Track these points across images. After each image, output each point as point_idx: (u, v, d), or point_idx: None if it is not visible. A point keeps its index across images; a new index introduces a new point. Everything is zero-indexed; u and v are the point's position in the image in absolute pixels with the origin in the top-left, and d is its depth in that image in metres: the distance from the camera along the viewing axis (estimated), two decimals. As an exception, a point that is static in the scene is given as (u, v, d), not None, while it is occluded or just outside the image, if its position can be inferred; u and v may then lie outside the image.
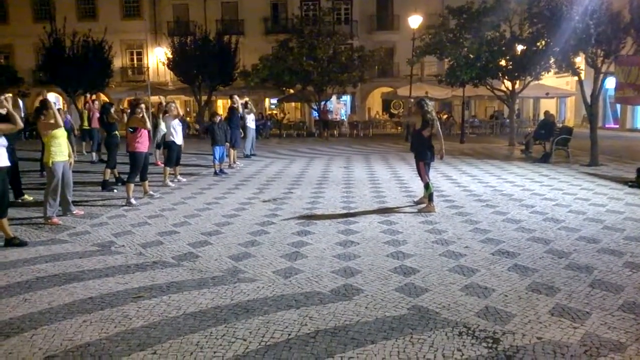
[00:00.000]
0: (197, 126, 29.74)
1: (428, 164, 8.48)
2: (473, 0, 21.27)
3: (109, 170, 11.06)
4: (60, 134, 7.95)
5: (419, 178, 8.80)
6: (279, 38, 31.20)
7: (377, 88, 37.08)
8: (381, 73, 36.28)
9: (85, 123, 17.42)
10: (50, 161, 7.77)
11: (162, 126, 12.64)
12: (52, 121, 7.80)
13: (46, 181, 8.06)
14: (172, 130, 11.50)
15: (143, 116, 9.35)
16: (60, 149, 7.88)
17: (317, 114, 30.49)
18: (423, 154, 8.41)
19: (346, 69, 27.60)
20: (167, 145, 11.75)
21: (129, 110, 11.12)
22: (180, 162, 12.39)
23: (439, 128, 8.46)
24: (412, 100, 13.44)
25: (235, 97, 15.98)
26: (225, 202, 9.49)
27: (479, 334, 3.95)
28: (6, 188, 6.62)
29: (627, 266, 5.49)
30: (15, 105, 9.97)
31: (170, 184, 11.40)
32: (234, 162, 14.77)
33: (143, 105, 9.64)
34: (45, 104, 8.00)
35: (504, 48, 20.41)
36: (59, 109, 9.43)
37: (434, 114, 8.42)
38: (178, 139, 11.66)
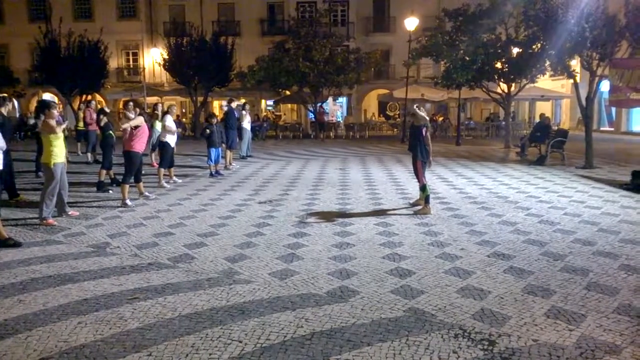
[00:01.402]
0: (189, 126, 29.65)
1: (424, 163, 8.51)
2: (469, 3, 21.32)
3: (104, 171, 11.02)
4: (61, 135, 7.95)
5: (416, 180, 8.81)
6: (275, 39, 31.21)
7: (373, 90, 37.14)
8: (377, 75, 36.35)
9: (81, 124, 17.37)
10: (52, 162, 7.75)
11: (158, 127, 12.63)
12: (52, 123, 7.79)
13: (44, 182, 8.02)
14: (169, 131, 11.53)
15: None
16: (61, 150, 7.89)
17: (313, 116, 30.50)
18: (421, 153, 8.44)
19: (342, 71, 27.64)
20: (162, 146, 11.73)
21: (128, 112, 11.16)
22: (175, 163, 12.38)
23: (429, 136, 8.62)
24: (410, 106, 13.44)
25: (234, 99, 16.08)
26: (220, 203, 9.47)
27: (474, 336, 3.95)
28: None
29: (623, 269, 5.50)
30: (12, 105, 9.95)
31: (165, 185, 11.37)
32: (230, 164, 14.76)
33: (131, 104, 9.73)
34: (47, 105, 8.05)
35: (499, 51, 20.46)
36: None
37: (426, 117, 8.61)
38: (172, 139, 11.65)
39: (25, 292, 4.93)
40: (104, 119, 11.25)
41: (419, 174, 8.55)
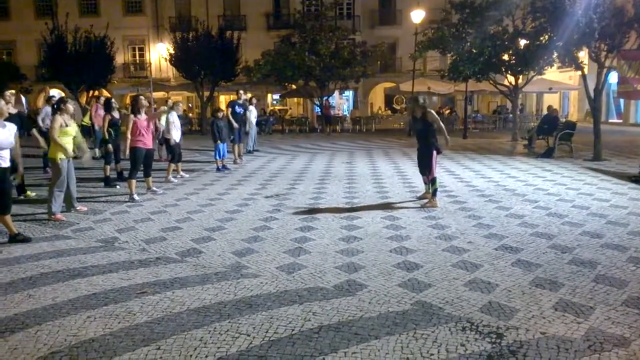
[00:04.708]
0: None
1: (438, 153, 8.45)
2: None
3: (108, 167, 11.01)
4: (71, 131, 7.97)
5: (428, 172, 8.66)
6: (281, 33, 31.14)
7: (380, 83, 37.03)
8: (383, 68, 36.24)
9: (86, 119, 17.42)
10: (59, 157, 7.79)
11: (162, 122, 12.64)
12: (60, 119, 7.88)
13: (51, 177, 8.06)
14: (171, 126, 11.49)
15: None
16: (69, 146, 7.91)
17: (319, 110, 30.45)
18: (434, 144, 8.39)
19: (348, 64, 27.54)
20: (167, 142, 11.73)
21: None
22: (182, 158, 12.40)
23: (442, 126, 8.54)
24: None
25: (241, 92, 16.05)
26: (228, 198, 9.49)
27: (482, 329, 3.95)
28: (9, 186, 6.62)
29: (631, 261, 5.47)
30: (19, 101, 9.99)
31: (173, 180, 11.40)
32: (239, 158, 14.74)
33: (145, 101, 9.66)
34: (62, 100, 8.15)
35: (506, 42, 20.33)
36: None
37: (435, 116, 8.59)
38: (177, 135, 11.63)
39: (35, 287, 4.97)
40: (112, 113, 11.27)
41: (431, 166, 8.44)
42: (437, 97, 34.12)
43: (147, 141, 9.52)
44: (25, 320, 4.24)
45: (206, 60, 27.15)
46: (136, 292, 4.79)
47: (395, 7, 36.80)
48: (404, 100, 35.23)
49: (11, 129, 6.41)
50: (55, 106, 8.27)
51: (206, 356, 3.61)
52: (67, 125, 7.93)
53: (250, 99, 17.05)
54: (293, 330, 3.98)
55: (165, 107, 12.33)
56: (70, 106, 8.12)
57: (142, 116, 9.41)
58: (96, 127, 16.16)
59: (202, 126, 28.24)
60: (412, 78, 26.22)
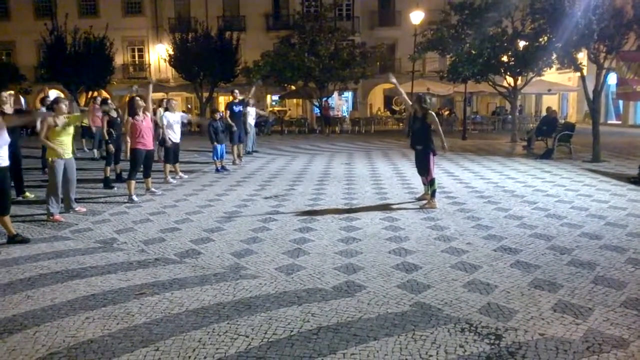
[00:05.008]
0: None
1: (435, 154, 8.47)
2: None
3: (108, 168, 11.00)
4: (63, 131, 7.91)
5: (426, 173, 8.68)
6: (281, 34, 31.14)
7: (379, 84, 37.00)
8: (383, 69, 36.15)
9: (85, 120, 17.38)
10: (51, 158, 7.77)
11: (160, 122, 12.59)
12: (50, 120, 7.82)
13: (48, 178, 8.05)
14: (166, 128, 11.42)
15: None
16: (62, 146, 7.86)
17: (318, 111, 30.44)
18: (431, 145, 8.40)
19: (348, 65, 27.55)
20: (164, 142, 11.68)
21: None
22: (180, 159, 12.36)
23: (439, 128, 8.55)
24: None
25: (236, 91, 15.96)
26: (227, 198, 9.49)
27: (481, 330, 3.95)
28: (8, 186, 6.61)
29: (630, 262, 5.48)
30: (17, 102, 9.94)
31: (171, 180, 11.38)
32: (238, 158, 14.66)
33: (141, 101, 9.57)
34: (55, 100, 8.09)
35: (506, 44, 20.35)
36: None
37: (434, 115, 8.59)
38: (176, 136, 11.58)
39: (33, 288, 4.96)
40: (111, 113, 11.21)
41: (429, 168, 8.46)
42: (436, 98, 34.14)
43: (147, 142, 9.49)
44: (24, 321, 4.23)
45: (205, 61, 27.12)
46: (135, 293, 4.78)
47: (394, 8, 36.80)
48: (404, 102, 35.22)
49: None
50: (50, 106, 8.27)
51: (205, 357, 3.61)
52: (56, 125, 7.80)
53: (248, 100, 16.96)
54: (292, 331, 3.97)
55: (160, 110, 12.20)
56: (63, 105, 7.98)
57: (140, 117, 9.39)
58: (93, 129, 16.21)
59: (201, 127, 28.18)
60: (412, 79, 26.23)
